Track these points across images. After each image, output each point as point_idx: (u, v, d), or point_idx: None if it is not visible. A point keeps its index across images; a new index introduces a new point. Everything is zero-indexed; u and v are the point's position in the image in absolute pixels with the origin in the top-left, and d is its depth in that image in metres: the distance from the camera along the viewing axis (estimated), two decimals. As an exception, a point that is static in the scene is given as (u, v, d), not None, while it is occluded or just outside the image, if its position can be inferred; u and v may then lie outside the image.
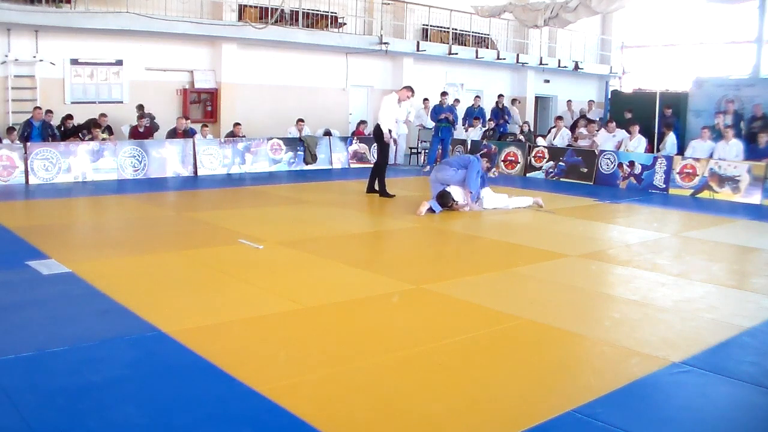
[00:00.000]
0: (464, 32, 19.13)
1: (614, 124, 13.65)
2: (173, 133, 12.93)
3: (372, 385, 3.48)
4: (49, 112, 12.13)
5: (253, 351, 3.95)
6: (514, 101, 18.30)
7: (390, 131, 10.20)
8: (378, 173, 10.40)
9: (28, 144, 11.11)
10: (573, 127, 14.97)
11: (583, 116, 16.56)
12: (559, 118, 15.52)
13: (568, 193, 11.32)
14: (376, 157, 10.90)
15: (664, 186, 11.87)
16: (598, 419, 3.12)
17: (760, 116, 13.21)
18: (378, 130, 10.33)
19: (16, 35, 12.71)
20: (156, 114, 13.58)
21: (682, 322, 4.61)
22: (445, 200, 8.79)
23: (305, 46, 15.76)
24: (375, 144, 11.18)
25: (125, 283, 5.18)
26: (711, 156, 11.77)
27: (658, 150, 12.97)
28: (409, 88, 10.55)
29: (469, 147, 14.90)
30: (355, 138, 15.16)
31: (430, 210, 8.69)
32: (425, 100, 16.65)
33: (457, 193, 8.89)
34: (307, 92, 16.50)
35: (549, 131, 15.69)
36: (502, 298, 5.09)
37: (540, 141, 14.65)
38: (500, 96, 16.97)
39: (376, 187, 10.37)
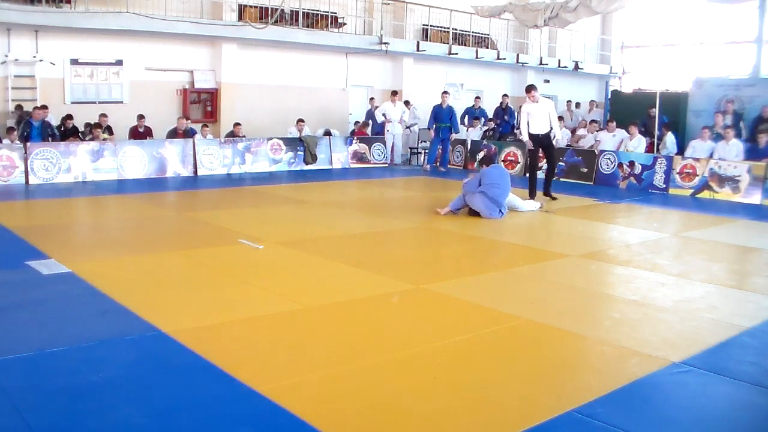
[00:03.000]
0: (464, 32, 19.12)
1: (614, 123, 13.67)
2: (173, 133, 12.92)
3: (372, 385, 3.48)
4: (33, 108, 11.96)
5: (253, 351, 3.95)
6: (591, 102, 18.38)
7: (535, 134, 10.28)
8: (533, 176, 10.45)
9: (28, 144, 11.10)
10: (574, 131, 15.01)
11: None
12: (560, 118, 15.50)
13: (568, 193, 11.31)
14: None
15: (664, 186, 11.86)
16: (598, 419, 3.12)
17: (767, 118, 13.15)
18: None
19: (16, 35, 12.71)
20: (156, 114, 13.57)
21: (682, 322, 4.61)
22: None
23: (305, 46, 15.75)
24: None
25: (125, 283, 5.18)
26: (711, 156, 11.77)
27: (658, 150, 12.97)
28: (533, 87, 10.50)
29: (469, 147, 14.90)
30: (355, 138, 15.16)
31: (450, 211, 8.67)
32: (406, 102, 16.51)
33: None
34: (307, 92, 16.50)
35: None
36: (502, 298, 5.08)
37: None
38: (505, 96, 16.91)
39: (552, 192, 10.52)
